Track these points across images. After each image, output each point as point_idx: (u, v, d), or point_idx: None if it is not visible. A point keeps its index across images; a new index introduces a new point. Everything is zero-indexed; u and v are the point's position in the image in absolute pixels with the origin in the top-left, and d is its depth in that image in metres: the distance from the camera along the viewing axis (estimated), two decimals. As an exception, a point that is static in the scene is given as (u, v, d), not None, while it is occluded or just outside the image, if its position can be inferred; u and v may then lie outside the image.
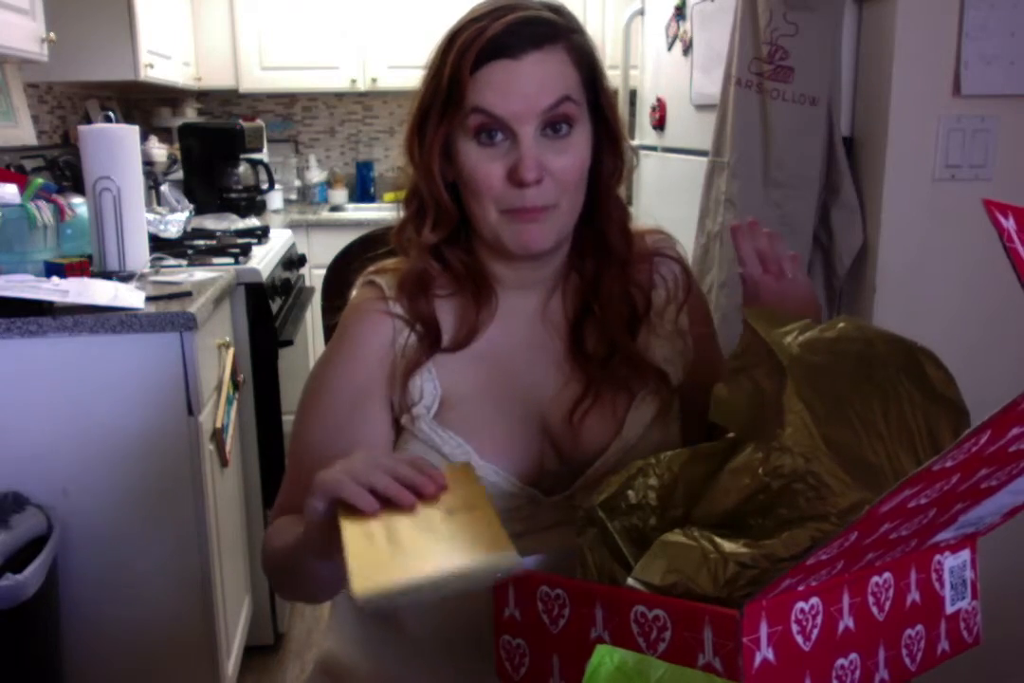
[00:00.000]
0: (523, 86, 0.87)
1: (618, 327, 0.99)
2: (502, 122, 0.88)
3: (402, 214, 0.99)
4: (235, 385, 2.07)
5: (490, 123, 0.88)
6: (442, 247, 0.97)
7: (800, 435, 0.72)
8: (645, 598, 0.68)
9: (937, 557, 0.75)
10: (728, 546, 0.69)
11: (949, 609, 0.76)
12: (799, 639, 0.64)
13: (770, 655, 0.63)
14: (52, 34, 2.17)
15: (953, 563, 0.76)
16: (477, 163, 0.89)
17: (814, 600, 0.65)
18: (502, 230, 0.91)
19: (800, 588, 0.64)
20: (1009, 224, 0.52)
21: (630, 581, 0.71)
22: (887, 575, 0.70)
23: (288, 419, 2.36)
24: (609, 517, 0.79)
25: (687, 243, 1.88)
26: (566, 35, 0.90)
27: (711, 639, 0.64)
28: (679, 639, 0.66)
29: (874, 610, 0.70)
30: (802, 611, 0.64)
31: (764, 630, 0.62)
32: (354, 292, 1.02)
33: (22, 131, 2.55)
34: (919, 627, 0.73)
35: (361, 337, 0.98)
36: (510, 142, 0.88)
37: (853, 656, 0.68)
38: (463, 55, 0.87)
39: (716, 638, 0.64)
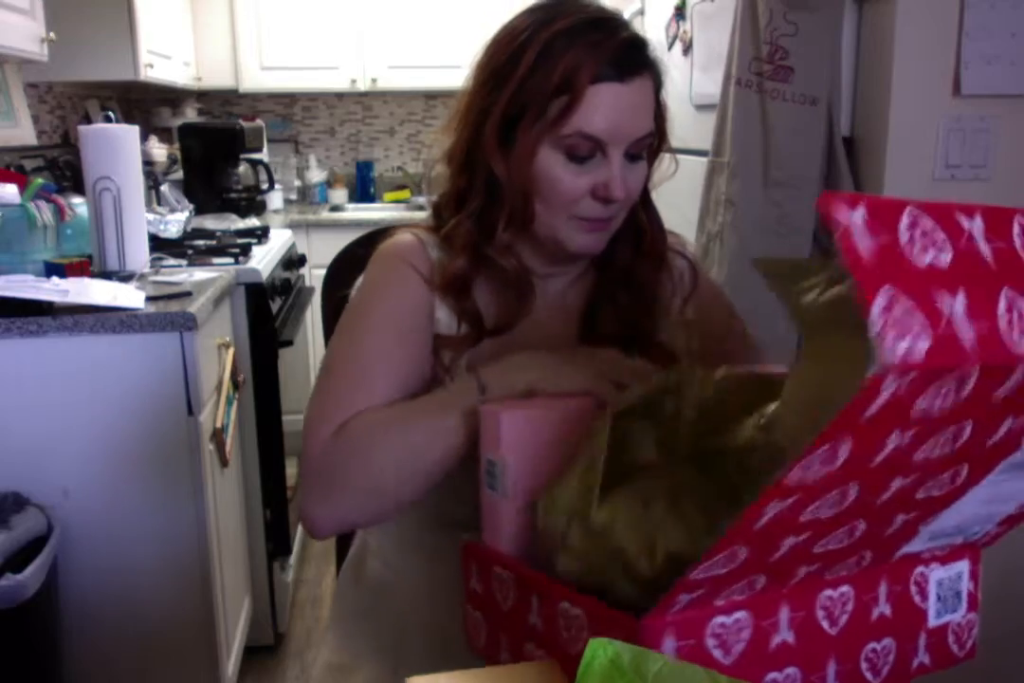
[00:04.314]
0: (625, 113, 0.91)
1: (641, 314, 1.02)
2: (599, 144, 0.91)
3: (436, 205, 1.01)
4: (235, 385, 2.07)
5: (588, 145, 0.91)
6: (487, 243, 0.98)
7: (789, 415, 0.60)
8: (569, 596, 0.68)
9: (920, 569, 0.73)
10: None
11: (933, 622, 0.74)
12: (717, 653, 0.63)
13: None
14: (52, 34, 2.17)
15: (943, 575, 0.74)
16: (563, 176, 0.92)
17: (740, 614, 0.64)
18: (566, 233, 0.95)
19: (719, 603, 0.63)
20: (855, 216, 0.49)
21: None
22: (845, 588, 0.69)
23: (288, 419, 2.37)
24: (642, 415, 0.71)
25: (687, 243, 1.88)
26: (654, 62, 0.94)
27: None
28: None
29: (824, 624, 0.68)
30: (723, 625, 0.63)
31: (670, 644, 0.62)
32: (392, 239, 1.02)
33: (22, 131, 2.54)
34: (887, 640, 0.72)
35: (410, 273, 0.97)
36: (597, 159, 0.92)
37: (790, 670, 0.66)
38: (579, 69, 0.88)
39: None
